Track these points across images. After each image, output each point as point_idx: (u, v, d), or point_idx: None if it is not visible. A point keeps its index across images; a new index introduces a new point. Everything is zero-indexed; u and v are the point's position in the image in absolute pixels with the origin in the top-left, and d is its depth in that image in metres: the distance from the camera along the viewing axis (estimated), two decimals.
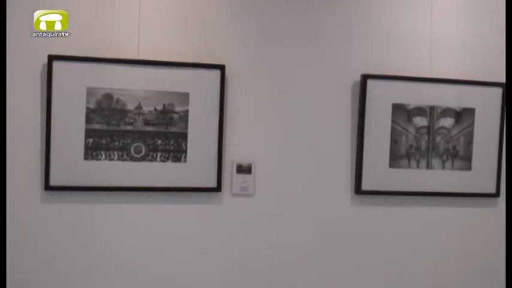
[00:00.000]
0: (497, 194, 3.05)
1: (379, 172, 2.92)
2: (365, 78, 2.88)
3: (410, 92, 2.94)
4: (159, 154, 2.73)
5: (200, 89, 2.75)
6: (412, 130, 2.95)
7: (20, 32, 2.67)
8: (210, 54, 2.76)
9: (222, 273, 2.83)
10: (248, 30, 2.83)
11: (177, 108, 2.73)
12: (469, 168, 3.01)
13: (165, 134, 2.73)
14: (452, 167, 3.00)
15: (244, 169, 2.83)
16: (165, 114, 2.73)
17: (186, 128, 2.74)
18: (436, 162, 2.98)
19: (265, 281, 2.87)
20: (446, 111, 2.98)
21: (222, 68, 2.76)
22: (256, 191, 2.85)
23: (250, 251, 2.85)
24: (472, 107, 3.01)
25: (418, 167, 2.97)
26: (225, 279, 2.83)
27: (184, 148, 2.75)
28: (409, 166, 2.96)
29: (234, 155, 2.82)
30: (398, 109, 2.93)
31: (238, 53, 2.81)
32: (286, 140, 2.87)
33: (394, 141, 2.93)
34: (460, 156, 3.00)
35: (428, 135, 2.97)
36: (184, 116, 2.74)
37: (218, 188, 2.78)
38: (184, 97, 2.74)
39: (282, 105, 2.86)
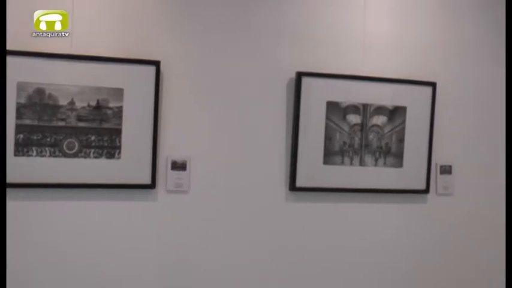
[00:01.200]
0: (426, 191, 3.12)
1: (313, 169, 2.96)
2: (300, 75, 2.91)
3: (344, 89, 2.98)
4: (93, 150, 2.69)
5: (135, 84, 2.73)
6: (345, 127, 3.00)
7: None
8: (145, 50, 2.74)
9: (157, 269, 2.81)
10: (184, 26, 2.82)
11: (111, 104, 2.70)
12: (400, 165, 3.08)
13: (98, 130, 2.70)
14: (385, 164, 3.06)
15: (179, 166, 2.82)
16: (99, 110, 2.69)
17: (120, 124, 2.72)
18: (368, 159, 3.04)
19: (199, 277, 2.87)
20: (379, 109, 3.04)
21: (157, 64, 2.74)
22: (191, 188, 2.84)
23: (184, 248, 2.84)
24: (404, 105, 3.07)
25: (351, 163, 3.01)
26: (160, 275, 2.82)
27: (118, 144, 2.72)
28: (342, 163, 3.00)
29: (169, 151, 2.81)
30: (332, 107, 2.97)
31: (174, 49, 2.80)
32: (222, 137, 2.87)
33: (328, 139, 2.97)
34: (392, 153, 3.07)
35: (362, 132, 3.02)
36: (119, 112, 2.71)
37: (153, 185, 2.76)
38: (119, 93, 2.71)
39: (218, 102, 2.86)
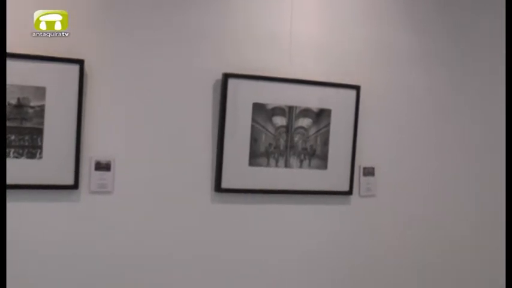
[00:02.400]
0: (350, 192, 3.18)
1: (239, 170, 2.97)
2: (226, 77, 2.92)
3: (270, 91, 3.00)
4: (13, 150, 2.63)
5: (58, 83, 2.67)
6: (271, 129, 3.02)
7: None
8: (69, 49, 2.69)
9: (78, 272, 2.76)
10: (109, 26, 2.78)
11: (33, 103, 2.64)
12: (325, 167, 3.12)
13: (19, 130, 2.63)
14: (309, 166, 3.10)
15: (103, 166, 2.78)
16: (20, 109, 2.63)
17: (42, 123, 2.66)
18: (294, 161, 3.07)
19: (121, 281, 2.84)
20: (304, 112, 3.08)
21: (81, 62, 2.69)
22: (115, 189, 2.81)
23: (107, 249, 2.81)
24: (329, 108, 3.12)
25: (276, 165, 3.04)
26: (82, 278, 2.77)
27: (39, 144, 2.66)
28: (268, 164, 3.02)
29: (92, 151, 2.76)
30: (258, 108, 2.99)
31: (99, 48, 2.76)
32: (147, 137, 2.85)
33: (254, 140, 2.99)
34: (316, 155, 3.11)
35: (287, 134, 3.05)
36: (40, 111, 2.65)
37: (75, 186, 2.72)
38: (41, 91, 2.65)
39: (143, 102, 2.84)
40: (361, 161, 3.22)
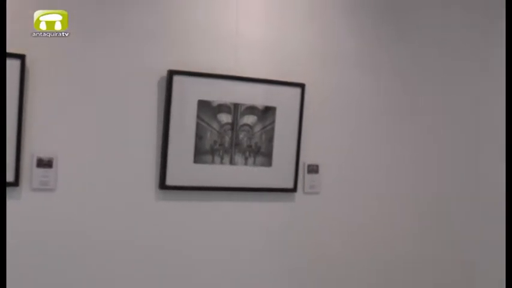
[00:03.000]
0: (294, 189, 3.21)
1: (183, 167, 2.96)
2: (171, 74, 2.90)
3: (215, 89, 3.01)
4: None
5: None
6: (216, 126, 3.02)
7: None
8: (10, 43, 2.63)
9: (21, 268, 2.72)
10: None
11: None
12: (269, 164, 3.14)
13: None
14: (254, 163, 3.11)
15: (45, 163, 2.74)
16: None
17: None
18: (239, 158, 3.08)
19: (64, 279, 2.80)
20: (249, 109, 3.09)
21: (22, 57, 2.65)
22: (58, 186, 2.77)
23: (49, 247, 2.77)
24: (274, 105, 3.14)
25: (221, 162, 3.05)
26: (25, 275, 2.73)
27: None
28: (213, 162, 3.03)
29: (34, 148, 2.72)
30: (203, 105, 2.98)
31: (40, 44, 2.72)
32: (91, 134, 2.82)
33: (199, 137, 2.99)
34: (261, 152, 3.12)
35: (232, 131, 3.06)
36: None
37: (16, 183, 2.67)
38: None
39: (87, 98, 2.81)
40: (306, 159, 3.25)
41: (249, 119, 3.09)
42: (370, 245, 3.44)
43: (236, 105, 3.05)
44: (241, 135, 3.08)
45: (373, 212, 3.44)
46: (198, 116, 2.97)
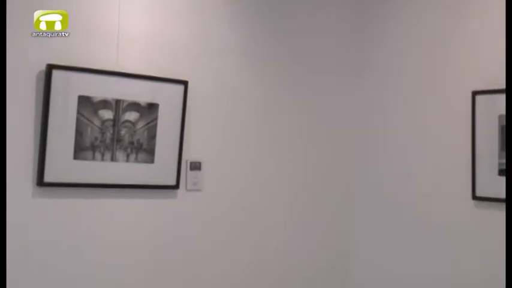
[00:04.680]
0: (177, 186, 3.21)
1: (63, 164, 2.89)
2: (50, 68, 2.83)
3: (96, 84, 2.96)
4: None
5: None
6: (97, 122, 2.97)
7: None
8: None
9: None
10: None
11: None
12: (152, 161, 3.13)
13: None
14: (136, 160, 3.09)
15: None
16: None
17: None
18: (120, 154, 3.04)
19: None
20: (132, 105, 3.06)
21: None
22: None
23: None
24: (157, 102, 3.13)
25: (102, 159, 3.00)
26: None
27: None
28: (93, 158, 2.98)
29: None
30: (84, 101, 2.93)
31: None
32: None
33: (79, 133, 2.93)
34: (144, 149, 3.10)
35: (114, 128, 3.02)
36: None
37: None
38: None
39: None
40: (188, 156, 3.26)
41: (131, 116, 3.06)
42: (251, 241, 3.49)
43: (118, 102, 3.02)
44: (123, 132, 3.04)
45: (254, 209, 3.50)
46: (78, 112, 2.92)
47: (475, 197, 3.21)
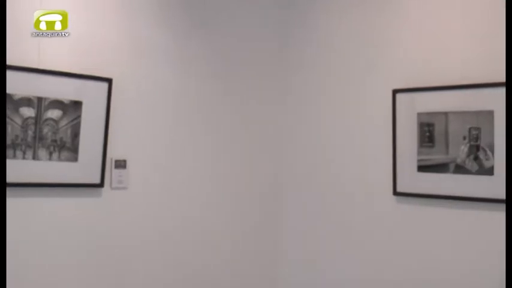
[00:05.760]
0: (101, 185, 3.18)
1: None
2: None
3: (17, 81, 2.89)
4: None
5: None
6: (18, 120, 2.92)
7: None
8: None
9: None
10: None
11: None
12: (75, 159, 3.09)
13: None
14: (59, 158, 3.04)
15: None
16: None
17: None
18: (42, 153, 3.00)
19: None
20: (54, 103, 3.02)
21: None
22: None
23: None
24: (80, 99, 3.09)
25: (24, 157, 2.95)
26: None
27: None
28: (14, 156, 2.92)
29: None
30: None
31: None
32: None
33: None
34: (67, 147, 3.06)
35: (36, 126, 2.97)
36: None
37: None
38: None
39: None
40: (113, 154, 3.23)
41: (54, 113, 3.02)
42: (177, 238, 3.49)
43: (40, 99, 2.97)
44: (45, 130, 3.00)
45: (180, 206, 3.50)
46: None
47: (396, 193, 3.29)
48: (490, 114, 2.93)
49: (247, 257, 3.76)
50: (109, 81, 3.16)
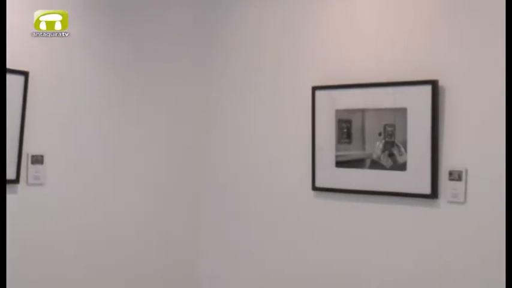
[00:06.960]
0: (17, 181, 3.10)
1: None
2: None
3: None
4: None
5: None
6: None
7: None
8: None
9: None
10: None
11: None
12: None
13: None
14: None
15: None
16: None
17: None
18: None
19: None
20: None
21: None
22: None
23: None
24: None
25: None
26: None
27: None
28: None
29: None
30: None
31: None
32: None
33: None
34: None
35: None
36: None
37: None
38: None
39: None
40: (30, 149, 3.16)
41: None
42: (99, 235, 3.45)
43: None
44: None
45: (100, 202, 3.46)
46: None
47: (314, 188, 3.35)
48: (403, 111, 3.01)
49: (168, 250, 3.75)
50: (25, 74, 3.09)
